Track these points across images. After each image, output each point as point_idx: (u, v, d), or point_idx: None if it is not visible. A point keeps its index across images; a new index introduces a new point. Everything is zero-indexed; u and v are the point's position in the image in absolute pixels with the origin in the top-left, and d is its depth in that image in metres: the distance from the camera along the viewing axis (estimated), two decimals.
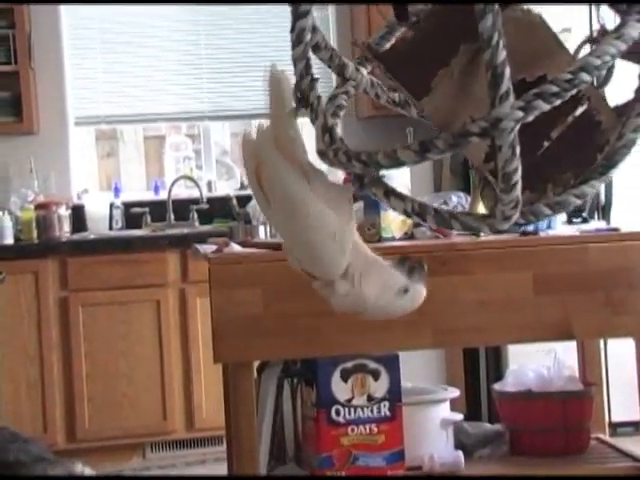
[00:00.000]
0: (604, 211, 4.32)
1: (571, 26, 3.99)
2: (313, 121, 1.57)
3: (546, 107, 1.25)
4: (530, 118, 1.26)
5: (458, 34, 1.45)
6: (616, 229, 3.06)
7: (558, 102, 1.25)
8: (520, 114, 1.25)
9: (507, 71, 1.26)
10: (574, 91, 1.25)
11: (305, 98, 1.56)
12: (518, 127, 1.27)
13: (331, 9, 5.59)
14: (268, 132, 1.60)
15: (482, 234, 2.83)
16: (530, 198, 1.45)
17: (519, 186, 1.33)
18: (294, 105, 1.58)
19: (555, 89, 1.25)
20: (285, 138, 1.58)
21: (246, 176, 1.68)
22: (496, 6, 1.27)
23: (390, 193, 1.53)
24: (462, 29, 1.42)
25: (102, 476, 1.81)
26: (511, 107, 1.26)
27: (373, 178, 1.53)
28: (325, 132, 1.52)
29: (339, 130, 1.57)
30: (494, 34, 1.26)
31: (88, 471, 1.89)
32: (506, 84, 1.26)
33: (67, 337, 4.61)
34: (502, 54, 1.26)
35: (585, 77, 1.24)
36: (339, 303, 1.56)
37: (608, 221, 4.21)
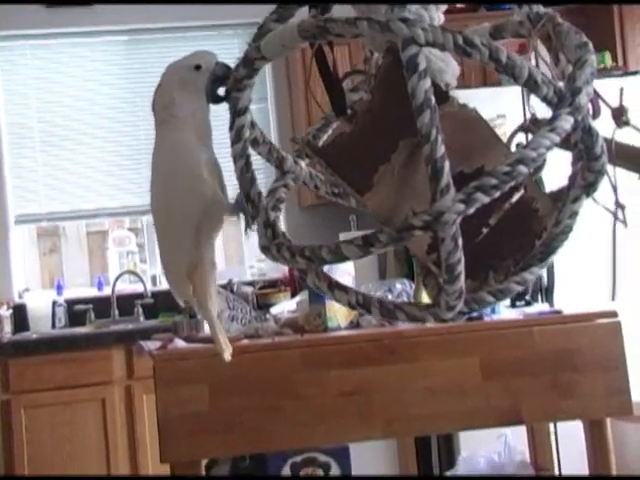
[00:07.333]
0: (547, 293, 4.36)
1: (505, 113, 4.11)
2: (255, 217, 1.58)
3: (486, 199, 1.27)
4: (471, 210, 1.28)
5: (396, 129, 1.48)
6: (559, 311, 3.08)
7: (497, 194, 1.27)
8: (461, 207, 1.27)
9: (447, 165, 1.28)
10: (512, 183, 1.27)
11: (246, 194, 1.58)
12: (460, 219, 1.29)
13: (271, 102, 5.65)
14: None
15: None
16: (472, 286, 1.46)
17: (462, 277, 1.34)
18: None
19: (494, 181, 1.27)
20: None
21: None
22: (433, 102, 1.29)
23: (334, 286, 1.53)
24: (400, 124, 1.44)
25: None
26: (452, 200, 1.27)
27: (317, 272, 1.53)
28: (267, 227, 1.53)
29: (281, 225, 1.58)
30: (432, 129, 1.28)
31: None
32: (446, 178, 1.28)
33: (9, 442, 4.48)
34: (441, 148, 1.28)
35: (522, 169, 1.27)
36: None
37: (551, 303, 4.24)
